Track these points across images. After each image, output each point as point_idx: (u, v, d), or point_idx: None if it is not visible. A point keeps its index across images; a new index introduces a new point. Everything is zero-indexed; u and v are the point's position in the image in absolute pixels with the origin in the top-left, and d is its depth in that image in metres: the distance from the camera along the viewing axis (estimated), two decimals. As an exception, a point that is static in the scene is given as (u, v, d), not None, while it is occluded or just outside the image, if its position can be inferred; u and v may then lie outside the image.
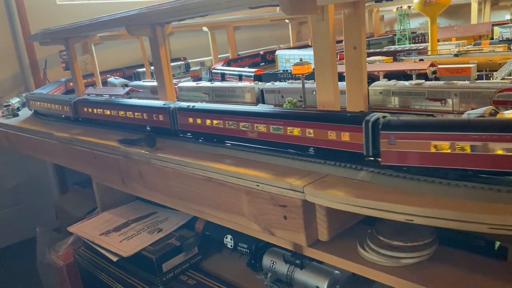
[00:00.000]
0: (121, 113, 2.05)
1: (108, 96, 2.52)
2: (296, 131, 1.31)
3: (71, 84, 3.33)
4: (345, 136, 1.19)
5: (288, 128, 1.33)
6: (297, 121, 1.31)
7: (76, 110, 2.40)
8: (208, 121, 1.61)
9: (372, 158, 1.16)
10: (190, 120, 1.69)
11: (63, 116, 2.54)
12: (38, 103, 2.83)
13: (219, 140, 1.60)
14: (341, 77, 1.54)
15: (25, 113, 3.18)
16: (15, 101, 3.29)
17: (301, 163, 1.33)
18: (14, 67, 3.95)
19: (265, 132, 1.40)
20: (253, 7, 1.62)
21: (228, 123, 1.53)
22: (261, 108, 1.70)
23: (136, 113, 1.96)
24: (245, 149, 1.52)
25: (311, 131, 1.27)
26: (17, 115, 3.13)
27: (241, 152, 1.52)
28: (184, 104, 1.76)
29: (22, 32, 3.85)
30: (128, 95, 2.51)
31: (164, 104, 1.84)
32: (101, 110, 2.20)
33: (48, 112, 2.73)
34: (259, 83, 2.27)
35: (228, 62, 3.42)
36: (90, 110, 2.29)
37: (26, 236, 3.65)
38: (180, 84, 2.65)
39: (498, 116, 1.21)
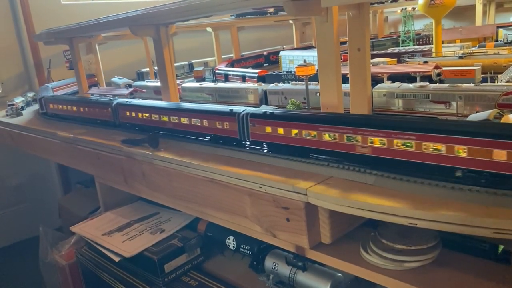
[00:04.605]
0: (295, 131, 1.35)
1: (112, 96, 2.52)
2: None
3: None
4: None
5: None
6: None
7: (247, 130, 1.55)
8: None
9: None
10: None
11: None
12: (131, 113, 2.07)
13: None
14: (345, 79, 1.53)
15: (29, 112, 3.20)
16: (19, 100, 3.31)
17: (304, 165, 1.33)
18: (18, 67, 3.97)
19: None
20: (257, 8, 1.62)
21: None
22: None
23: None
24: (247, 150, 1.51)
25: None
26: (21, 114, 3.14)
27: (243, 154, 1.52)
28: None
29: (26, 31, 3.87)
30: (131, 95, 2.52)
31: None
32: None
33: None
34: (263, 84, 2.26)
35: (232, 63, 3.41)
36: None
37: (29, 234, 3.67)
38: (184, 85, 2.64)
39: (503, 120, 1.19)
